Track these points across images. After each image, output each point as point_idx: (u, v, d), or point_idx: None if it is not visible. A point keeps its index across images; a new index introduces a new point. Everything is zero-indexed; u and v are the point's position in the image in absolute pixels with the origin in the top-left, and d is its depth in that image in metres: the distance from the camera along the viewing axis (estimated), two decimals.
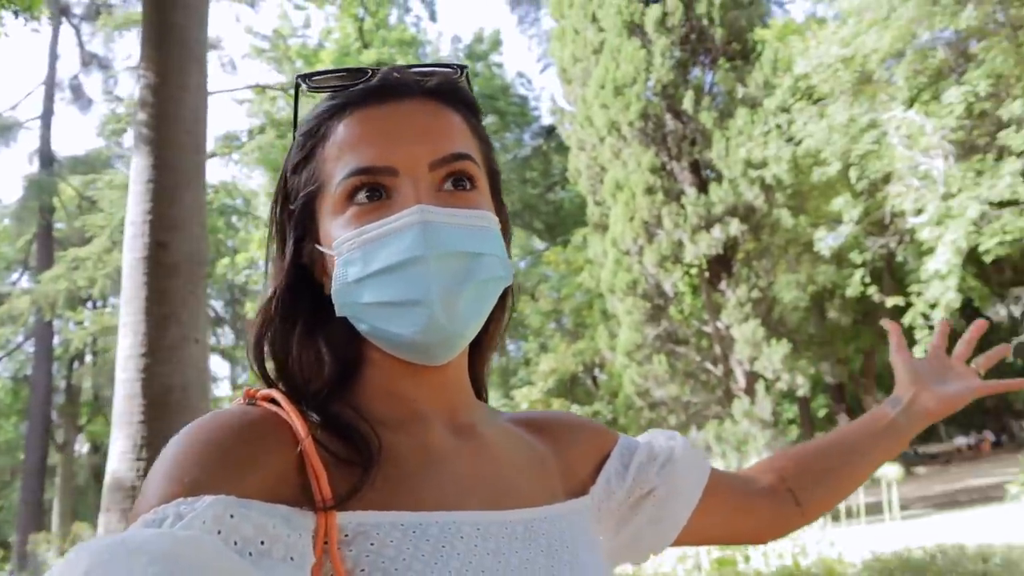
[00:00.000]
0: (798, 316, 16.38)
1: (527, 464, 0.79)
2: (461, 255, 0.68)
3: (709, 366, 15.64)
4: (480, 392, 0.85)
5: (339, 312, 0.71)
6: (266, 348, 0.72)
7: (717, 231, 14.66)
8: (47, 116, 21.76)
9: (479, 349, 0.81)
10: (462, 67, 0.79)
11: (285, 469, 0.61)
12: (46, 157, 21.64)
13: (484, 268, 0.70)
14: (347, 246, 0.69)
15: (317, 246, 0.73)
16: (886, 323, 1.14)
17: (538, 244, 26.00)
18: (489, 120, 22.39)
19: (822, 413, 28.36)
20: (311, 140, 0.74)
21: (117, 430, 4.10)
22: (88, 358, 23.57)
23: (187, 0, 4.36)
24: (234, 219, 22.87)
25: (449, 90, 0.75)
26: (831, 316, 19.42)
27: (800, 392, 14.66)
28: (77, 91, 22.62)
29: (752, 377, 14.65)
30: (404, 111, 0.72)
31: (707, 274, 15.49)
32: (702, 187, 15.40)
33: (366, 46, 19.96)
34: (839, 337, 20.41)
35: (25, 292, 20.33)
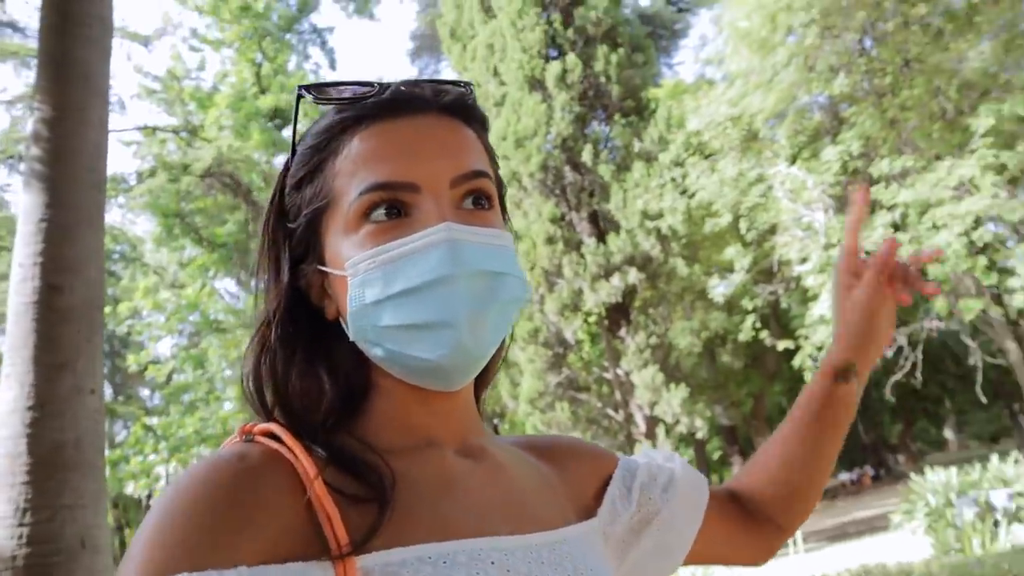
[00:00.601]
0: (692, 361, 16.94)
1: (539, 486, 0.77)
2: (487, 275, 0.66)
3: (610, 412, 15.87)
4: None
5: (353, 336, 0.67)
6: (264, 377, 0.68)
7: (616, 279, 15.04)
8: None
9: (484, 372, 0.77)
10: (468, 84, 0.78)
11: (292, 518, 0.57)
12: None
13: (507, 288, 0.68)
14: (364, 266, 0.65)
15: (320, 267, 0.70)
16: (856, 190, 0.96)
17: None
18: None
19: (716, 455, 29.22)
20: (319, 155, 0.71)
21: None
22: None
23: (90, 33, 4.15)
24: (118, 267, 21.67)
25: (465, 106, 0.74)
26: (723, 360, 20.21)
27: (699, 435, 15.05)
28: None
29: (652, 421, 14.96)
30: (422, 126, 0.69)
31: (606, 322, 15.81)
32: (601, 237, 15.82)
33: (263, 91, 19.64)
34: (732, 380, 21.24)
35: None
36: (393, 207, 0.66)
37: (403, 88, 0.71)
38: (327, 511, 0.57)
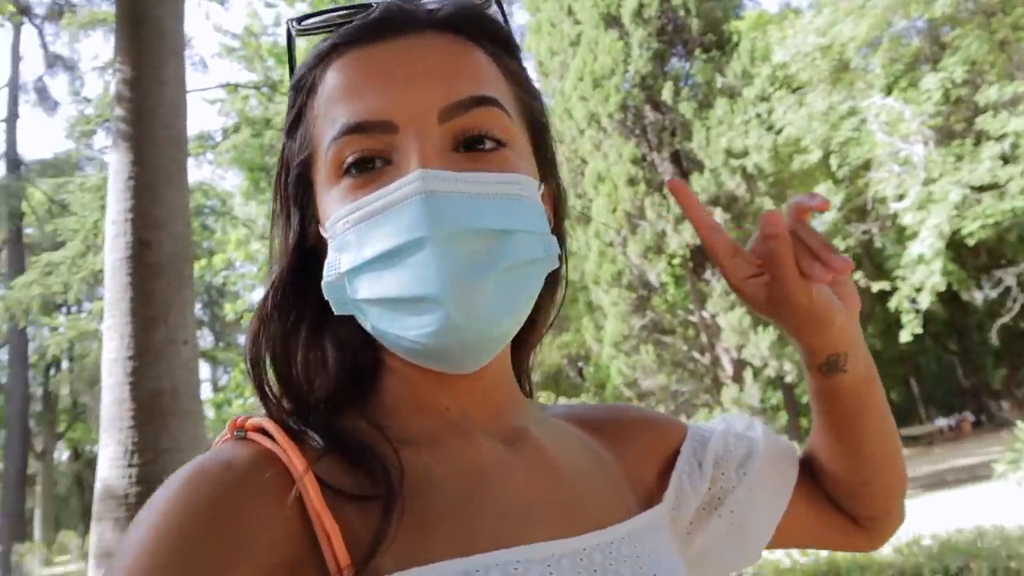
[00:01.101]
0: None
1: (592, 472, 0.65)
2: (479, 234, 0.52)
3: (696, 355, 15.67)
4: (523, 388, 0.71)
5: (336, 310, 0.57)
6: (264, 349, 0.58)
7: None
8: (12, 119, 21.35)
9: (522, 339, 0.66)
10: None
11: (286, 532, 0.49)
12: (12, 161, 21.21)
13: (513, 249, 0.54)
14: (340, 226, 0.55)
15: (319, 227, 0.59)
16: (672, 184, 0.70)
17: None
18: None
19: (805, 399, 28.61)
20: (299, 95, 0.60)
21: (106, 436, 3.97)
22: (65, 364, 23.17)
23: None
24: (210, 220, 22.57)
25: (469, 18, 0.59)
26: None
27: (788, 378, 14.72)
28: (42, 93, 22.15)
29: (739, 365, 14.69)
30: (407, 48, 0.56)
31: (691, 263, 15.49)
32: (683, 177, 15.40)
33: None
34: None
35: None
36: (368, 156, 0.54)
37: (393, 6, 0.58)
38: (325, 528, 0.48)
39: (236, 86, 19.49)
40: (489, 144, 0.56)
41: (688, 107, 15.01)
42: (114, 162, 4.16)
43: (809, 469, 0.80)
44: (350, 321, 0.58)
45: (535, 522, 0.56)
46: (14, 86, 21.70)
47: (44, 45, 21.50)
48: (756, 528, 0.73)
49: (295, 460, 0.50)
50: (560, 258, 0.63)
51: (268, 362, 0.58)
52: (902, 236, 12.03)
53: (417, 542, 0.50)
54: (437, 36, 0.57)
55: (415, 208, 0.51)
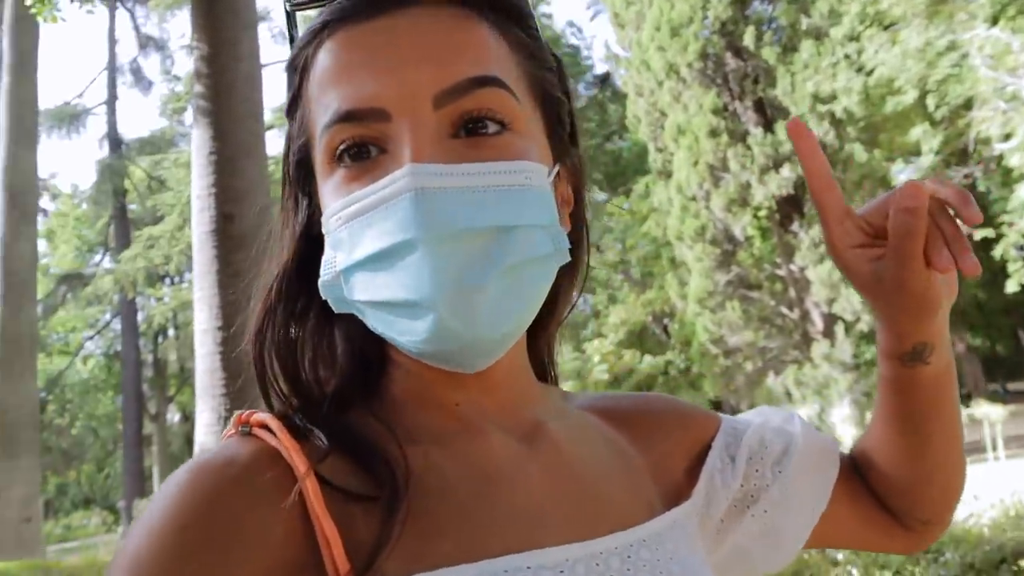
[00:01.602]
0: None
1: (615, 467, 0.62)
2: (476, 233, 0.49)
3: (784, 310, 15.24)
4: (546, 375, 0.68)
5: (336, 309, 0.54)
6: (268, 342, 0.56)
7: (786, 171, 14.13)
8: (111, 101, 22.38)
9: (540, 326, 0.63)
10: None
11: (287, 532, 0.47)
12: (114, 141, 22.32)
13: (516, 247, 0.50)
14: (334, 222, 0.52)
15: (323, 229, 0.56)
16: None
17: (599, 196, 25.67)
18: None
19: None
20: (294, 76, 0.57)
21: (201, 403, 4.20)
22: (171, 332, 24.49)
23: None
24: None
25: None
26: None
27: None
28: (137, 74, 23.16)
29: (830, 319, 14.21)
30: (402, 25, 0.52)
31: (778, 215, 14.98)
32: (768, 126, 14.83)
33: None
34: None
35: (107, 272, 21.15)
36: (362, 144, 0.51)
37: None
38: (325, 533, 0.47)
39: None
40: (492, 127, 0.52)
41: (771, 52, 14.37)
42: (196, 137, 4.32)
43: (857, 466, 0.75)
44: (356, 316, 0.56)
45: (549, 524, 0.53)
46: (112, 69, 22.74)
47: (136, 27, 22.43)
48: (791, 529, 0.68)
49: (297, 460, 0.49)
50: (578, 242, 0.60)
51: (273, 356, 0.56)
52: (1008, 179, 11.26)
53: (424, 546, 0.48)
54: (436, 10, 0.53)
55: (405, 207, 0.48)
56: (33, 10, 6.45)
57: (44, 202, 24.15)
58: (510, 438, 0.57)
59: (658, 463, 0.65)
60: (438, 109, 0.50)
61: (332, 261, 0.53)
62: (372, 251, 0.49)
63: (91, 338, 26.52)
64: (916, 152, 12.87)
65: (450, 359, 0.51)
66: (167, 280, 23.81)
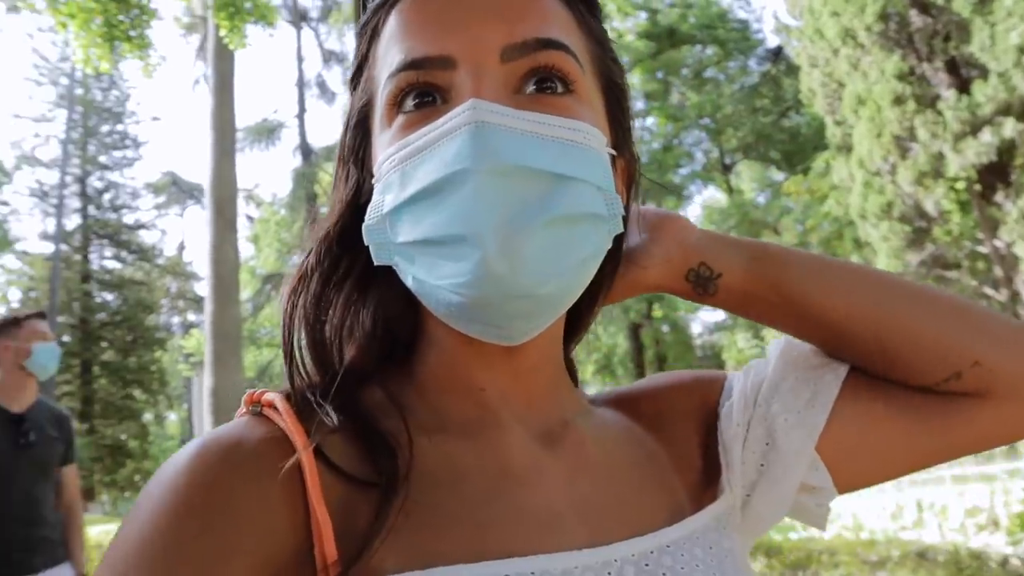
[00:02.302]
0: None
1: (640, 466, 0.59)
2: (531, 174, 0.47)
3: (989, 291, 13.79)
4: (574, 377, 0.66)
5: (376, 259, 0.52)
6: (297, 311, 0.55)
7: (987, 135, 12.73)
8: (301, 114, 24.32)
9: (580, 322, 0.62)
10: None
11: (288, 517, 0.46)
12: (305, 151, 24.26)
13: (569, 198, 0.48)
14: (386, 166, 0.51)
15: (373, 180, 0.55)
16: None
17: (776, 175, 24.43)
18: (709, 52, 21.28)
19: None
20: (362, 43, 0.58)
21: None
22: None
23: None
24: None
25: None
26: None
27: None
28: (322, 87, 25.02)
29: None
30: None
31: (978, 186, 13.56)
32: (963, 87, 13.43)
33: None
34: None
35: None
36: (425, 92, 0.51)
37: None
38: (318, 518, 0.45)
39: None
40: (557, 87, 0.51)
41: (964, 4, 12.98)
42: None
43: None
44: (393, 285, 0.54)
45: (563, 529, 0.50)
46: (300, 84, 24.72)
47: (320, 44, 24.22)
48: (790, 460, 0.59)
49: (299, 442, 0.47)
50: (619, 244, 0.58)
51: (301, 321, 0.55)
52: None
53: (424, 541, 0.46)
54: None
55: (462, 139, 0.47)
56: (226, 40, 7.22)
57: (250, 210, 26.76)
58: (530, 435, 0.55)
59: (676, 448, 0.62)
60: (505, 63, 0.50)
61: (380, 205, 0.51)
62: (423, 185, 0.48)
63: None
64: None
65: (489, 313, 0.48)
66: None
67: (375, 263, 0.52)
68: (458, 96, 0.50)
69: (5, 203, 27.55)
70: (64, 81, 28.22)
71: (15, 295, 27.56)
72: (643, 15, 20.73)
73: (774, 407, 0.60)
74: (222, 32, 7.14)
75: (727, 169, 24.69)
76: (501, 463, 0.52)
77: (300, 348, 0.55)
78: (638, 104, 21.89)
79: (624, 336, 21.18)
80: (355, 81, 0.59)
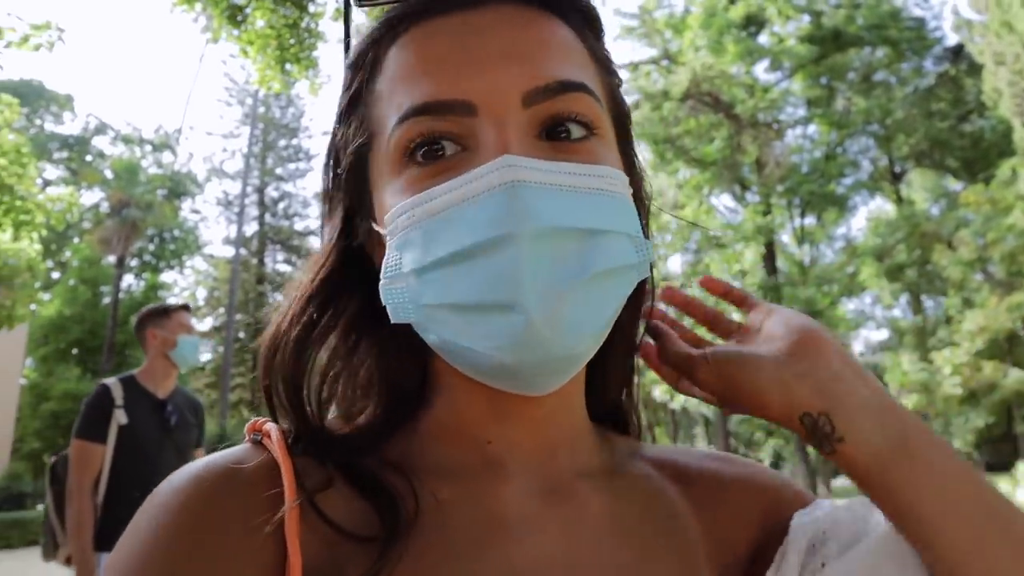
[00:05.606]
0: None
1: (659, 535, 0.54)
2: (570, 234, 0.45)
3: None
4: (626, 423, 0.63)
5: (393, 317, 0.49)
6: (278, 359, 0.53)
7: None
8: None
9: (605, 362, 0.57)
10: None
11: (272, 557, 0.45)
12: None
13: (604, 253, 0.46)
14: (403, 220, 0.48)
15: (373, 224, 0.53)
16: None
17: (953, 185, 22.51)
18: (879, 54, 19.97)
19: None
20: (358, 75, 0.54)
21: None
22: None
23: None
24: None
25: None
26: None
27: None
28: None
29: None
30: (483, 22, 0.50)
31: None
32: None
33: (732, 1, 19.22)
34: None
35: None
36: (441, 139, 0.48)
37: None
38: (290, 555, 0.44)
39: (636, 64, 20.32)
40: (577, 132, 0.49)
41: None
42: None
43: None
44: (395, 335, 0.52)
45: None
46: None
47: None
48: None
49: (287, 484, 0.47)
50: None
51: (279, 375, 0.53)
52: None
53: None
54: (520, 9, 0.51)
55: (500, 200, 0.44)
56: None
57: None
58: (534, 486, 0.52)
59: (718, 532, 0.57)
60: (527, 108, 0.48)
61: (397, 263, 0.48)
62: (455, 249, 0.45)
63: None
64: None
65: (521, 374, 0.46)
66: None
67: (392, 321, 0.49)
68: (479, 146, 0.47)
69: (196, 211, 30.65)
70: (249, 101, 31.04)
71: (201, 294, 30.48)
72: (806, 18, 19.79)
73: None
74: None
75: (897, 178, 23.05)
76: (494, 514, 0.50)
77: (280, 396, 0.53)
78: (799, 111, 20.90)
79: None
80: (346, 116, 0.55)
